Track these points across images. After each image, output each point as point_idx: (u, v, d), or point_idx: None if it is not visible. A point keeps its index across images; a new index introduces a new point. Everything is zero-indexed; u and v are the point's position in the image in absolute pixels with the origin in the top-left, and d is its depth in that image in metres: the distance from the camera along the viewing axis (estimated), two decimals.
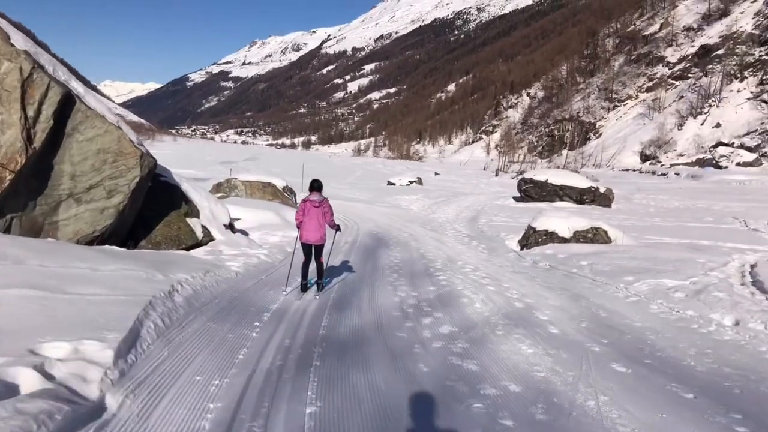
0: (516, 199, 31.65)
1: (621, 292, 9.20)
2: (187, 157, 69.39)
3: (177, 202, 11.03)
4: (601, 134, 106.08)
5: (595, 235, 14.90)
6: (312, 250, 8.89)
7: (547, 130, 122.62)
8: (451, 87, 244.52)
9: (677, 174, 65.19)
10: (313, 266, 8.92)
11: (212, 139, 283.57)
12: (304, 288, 8.71)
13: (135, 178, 9.00)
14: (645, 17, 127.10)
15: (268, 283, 9.00)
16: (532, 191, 29.92)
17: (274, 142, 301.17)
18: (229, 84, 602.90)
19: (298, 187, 32.00)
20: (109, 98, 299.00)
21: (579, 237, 14.90)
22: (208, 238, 11.13)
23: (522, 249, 15.28)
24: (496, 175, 73.01)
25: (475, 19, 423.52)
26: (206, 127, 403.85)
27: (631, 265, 10.84)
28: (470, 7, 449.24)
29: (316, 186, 8.99)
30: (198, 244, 10.76)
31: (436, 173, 63.49)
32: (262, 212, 16.25)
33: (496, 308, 7.92)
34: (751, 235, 18.32)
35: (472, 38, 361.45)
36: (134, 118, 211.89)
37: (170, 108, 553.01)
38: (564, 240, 14.87)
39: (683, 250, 13.38)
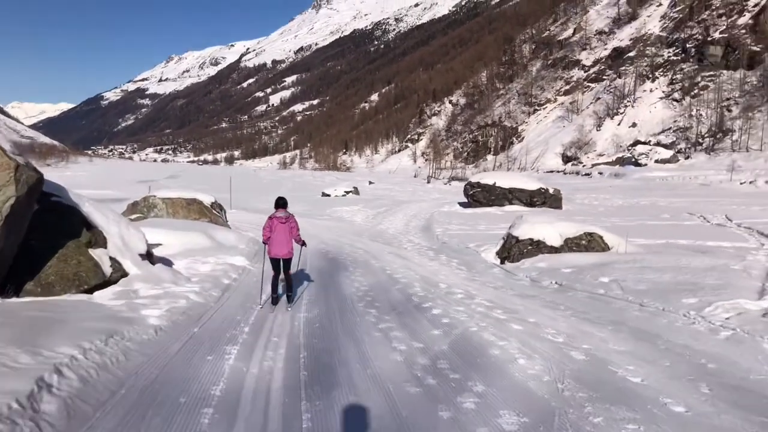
0: (463, 204, 30.66)
1: (697, 322, 6.99)
2: (103, 178, 65.58)
3: (76, 229, 8.35)
4: (523, 138, 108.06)
5: (589, 242, 13.19)
6: (281, 264, 9.32)
7: (471, 136, 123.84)
8: (374, 97, 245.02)
9: (600, 173, 66.52)
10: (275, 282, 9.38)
11: (130, 158, 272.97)
12: (275, 301, 9.15)
13: (9, 198, 6.65)
14: (559, 23, 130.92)
15: (204, 340, 6.32)
16: (480, 195, 28.92)
17: (196, 159, 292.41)
18: (146, 101, 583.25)
19: (227, 203, 30.12)
20: (17, 120, 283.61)
21: (572, 245, 13.16)
22: (119, 273, 8.56)
23: (503, 262, 13.55)
24: (428, 181, 72.56)
25: (394, 30, 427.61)
26: (124, 147, 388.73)
27: (665, 279, 9.04)
28: (388, 18, 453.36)
29: (281, 203, 9.34)
30: (106, 283, 8.14)
31: (370, 182, 62.21)
32: (189, 234, 13.62)
33: (551, 366, 5.56)
34: (724, 231, 17.80)
35: (391, 48, 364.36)
36: (45, 140, 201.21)
37: (85, 128, 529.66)
38: (554, 249, 13.13)
39: (694, 254, 11.96)
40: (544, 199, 27.73)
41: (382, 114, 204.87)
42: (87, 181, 55.13)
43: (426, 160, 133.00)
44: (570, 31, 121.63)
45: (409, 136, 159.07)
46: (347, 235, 20.49)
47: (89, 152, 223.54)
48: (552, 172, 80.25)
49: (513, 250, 13.58)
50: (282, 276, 9.29)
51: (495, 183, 28.73)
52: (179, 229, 13.84)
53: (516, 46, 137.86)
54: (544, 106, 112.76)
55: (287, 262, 9.31)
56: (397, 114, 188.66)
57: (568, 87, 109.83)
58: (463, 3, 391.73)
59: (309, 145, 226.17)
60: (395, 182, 69.18)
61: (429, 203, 34.98)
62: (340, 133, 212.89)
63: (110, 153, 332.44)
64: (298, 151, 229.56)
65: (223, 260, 11.93)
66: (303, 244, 9.65)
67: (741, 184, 39.72)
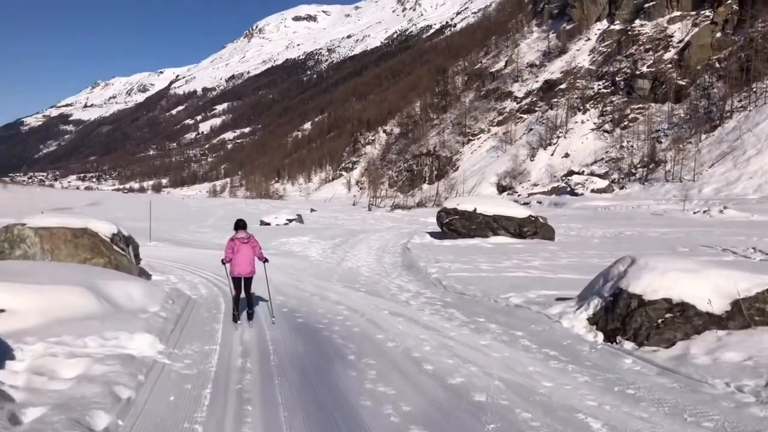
0: (435, 235, 25.92)
1: None
2: (13, 205, 60.41)
3: None
4: (458, 167, 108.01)
5: None
6: (242, 284, 9.91)
7: (405, 165, 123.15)
8: (307, 126, 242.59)
9: (539, 203, 66.01)
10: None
11: (51, 185, 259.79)
12: (236, 318, 9.79)
13: None
14: (491, 55, 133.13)
15: None
16: (458, 224, 24.06)
17: (122, 187, 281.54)
18: (70, 128, 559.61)
19: (144, 234, 26.70)
20: None
21: (752, 311, 7.72)
22: None
23: (613, 339, 8.14)
24: (369, 209, 70.35)
25: (327, 60, 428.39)
26: (45, 174, 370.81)
27: None
28: (321, 49, 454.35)
29: (241, 225, 9.97)
30: None
31: (312, 210, 59.25)
32: (59, 292, 8.17)
33: None
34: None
35: (324, 78, 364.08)
36: None
37: (2, 154, 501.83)
38: (717, 320, 7.71)
39: None
40: (536, 229, 23.65)
41: (315, 143, 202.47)
42: None
43: (360, 188, 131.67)
44: (502, 64, 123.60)
45: (343, 164, 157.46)
46: (309, 278, 15.67)
47: (6, 179, 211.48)
48: None
49: (636, 319, 7.96)
50: (243, 295, 9.97)
51: (476, 209, 24.09)
52: (45, 282, 8.30)
53: (449, 77, 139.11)
54: (478, 136, 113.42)
55: (248, 280, 9.96)
56: (331, 143, 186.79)
57: (501, 118, 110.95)
58: (394, 36, 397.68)
59: (240, 173, 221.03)
60: (336, 210, 66.56)
61: (389, 233, 30.83)
62: (273, 161, 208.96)
63: (30, 180, 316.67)
64: (228, 179, 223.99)
65: (112, 346, 6.95)
66: (265, 260, 10.21)
67: (695, 213, 39.22)
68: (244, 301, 9.96)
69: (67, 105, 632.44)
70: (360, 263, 19.12)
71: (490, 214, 23.91)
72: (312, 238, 27.45)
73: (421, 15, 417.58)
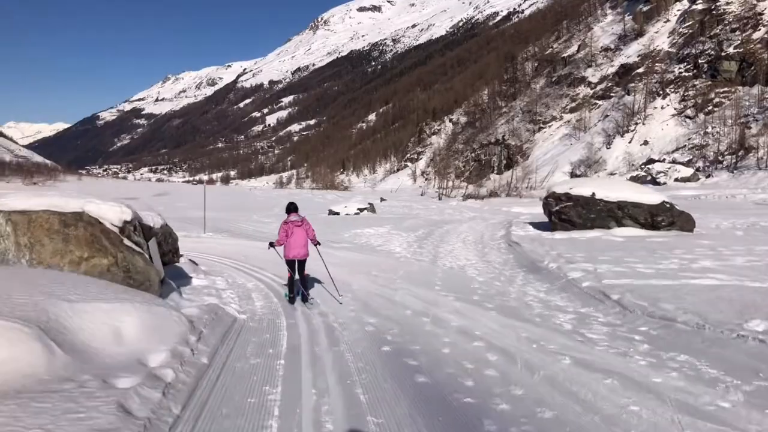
0: (539, 226, 21.49)
1: None
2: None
3: None
4: (528, 156, 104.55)
5: None
6: (297, 266, 9.89)
7: (473, 154, 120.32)
8: (372, 117, 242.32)
9: None
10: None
11: (125, 178, 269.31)
12: (293, 300, 9.79)
13: None
14: (562, 40, 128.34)
15: None
16: (572, 213, 19.25)
17: (191, 179, 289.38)
18: (143, 121, 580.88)
19: (198, 223, 25.85)
20: (11, 140, 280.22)
21: None
22: None
23: None
24: (439, 199, 68.58)
25: (391, 50, 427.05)
26: (119, 167, 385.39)
27: None
28: (385, 39, 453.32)
29: (292, 208, 9.94)
30: None
31: (382, 199, 57.99)
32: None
33: None
34: None
35: (389, 68, 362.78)
36: (39, 159, 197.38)
37: (80, 148, 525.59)
38: None
39: None
40: (672, 218, 18.63)
41: (380, 134, 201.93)
42: None
43: (426, 179, 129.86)
44: (574, 48, 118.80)
45: (408, 155, 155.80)
46: (402, 284, 11.62)
47: (83, 171, 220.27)
48: None
49: None
50: (297, 276, 9.91)
51: (594, 194, 19.09)
52: None
53: (518, 63, 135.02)
54: (550, 124, 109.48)
55: (303, 262, 9.97)
56: (396, 133, 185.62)
57: (574, 104, 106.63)
58: (460, 24, 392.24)
59: (306, 164, 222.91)
60: (405, 199, 64.93)
61: (476, 224, 26.45)
62: (338, 153, 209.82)
63: (104, 173, 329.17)
64: (294, 171, 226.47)
65: None
66: (317, 243, 10.14)
67: None
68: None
69: (139, 99, 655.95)
70: (461, 262, 15.19)
71: (612, 200, 18.81)
72: (390, 229, 24.17)
73: (488, 2, 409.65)
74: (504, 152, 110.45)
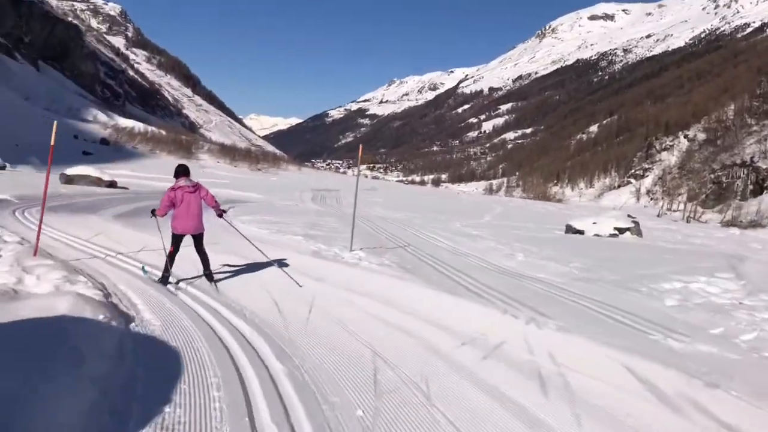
0: None
1: None
2: (281, 183, 65.10)
3: None
4: None
5: None
6: (183, 241, 8.27)
7: (712, 176, 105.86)
8: (594, 128, 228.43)
9: None
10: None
11: (344, 173, 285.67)
12: (166, 281, 8.03)
13: None
14: None
15: None
16: None
17: (405, 179, 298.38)
18: (366, 121, 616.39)
19: (398, 227, 21.87)
20: (251, 130, 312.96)
21: None
22: None
23: None
24: (687, 222, 59.31)
25: (621, 60, 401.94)
26: (340, 162, 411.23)
27: None
28: (616, 49, 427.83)
29: (182, 170, 8.18)
30: None
31: (629, 216, 49.42)
32: None
33: None
34: None
35: (617, 79, 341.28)
36: (270, 148, 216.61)
37: (309, 142, 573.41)
38: None
39: None
40: None
41: (601, 146, 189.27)
42: (239, 184, 49.40)
43: (652, 198, 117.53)
44: None
45: (633, 171, 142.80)
46: None
47: (308, 164, 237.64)
48: None
49: None
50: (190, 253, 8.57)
51: None
52: None
53: None
54: None
55: (199, 237, 8.33)
56: (619, 147, 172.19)
57: None
58: (702, 35, 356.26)
59: (517, 173, 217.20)
60: (647, 220, 55.74)
61: None
62: (553, 164, 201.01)
63: (327, 166, 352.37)
64: (505, 179, 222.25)
65: None
66: (222, 212, 8.64)
67: None
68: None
69: (365, 100, 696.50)
70: None
71: None
72: (744, 286, 11.56)
73: (737, 12, 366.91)
74: (752, 176, 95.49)
